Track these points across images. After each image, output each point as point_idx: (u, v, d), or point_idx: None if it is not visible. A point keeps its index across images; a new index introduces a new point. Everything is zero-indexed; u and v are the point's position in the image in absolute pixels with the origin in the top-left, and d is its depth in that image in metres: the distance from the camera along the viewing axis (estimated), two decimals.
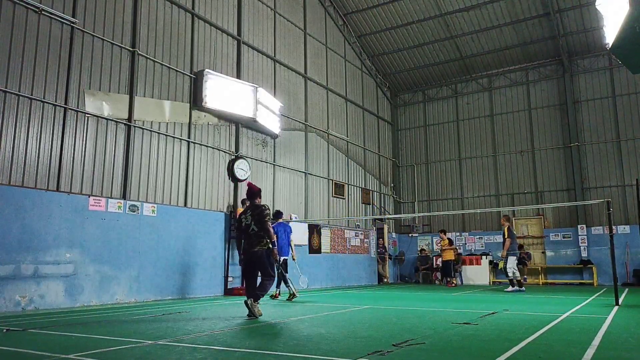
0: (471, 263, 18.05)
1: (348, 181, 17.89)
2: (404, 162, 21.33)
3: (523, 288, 12.80)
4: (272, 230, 6.80)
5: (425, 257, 19.43)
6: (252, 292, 6.80)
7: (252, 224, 6.77)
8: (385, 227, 19.38)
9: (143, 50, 10.81)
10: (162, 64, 11.22)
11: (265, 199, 13.88)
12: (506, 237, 12.66)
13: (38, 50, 8.93)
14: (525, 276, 16.25)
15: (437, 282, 18.70)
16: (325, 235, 15.97)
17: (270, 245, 6.85)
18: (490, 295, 11.58)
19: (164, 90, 11.25)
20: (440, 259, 18.74)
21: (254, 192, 7.09)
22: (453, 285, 16.02)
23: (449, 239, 16.61)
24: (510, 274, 12.59)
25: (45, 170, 8.82)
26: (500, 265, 17.60)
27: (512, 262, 12.57)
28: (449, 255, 16.23)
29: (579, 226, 17.28)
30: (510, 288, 12.68)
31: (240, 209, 12.36)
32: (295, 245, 14.50)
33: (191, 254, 11.19)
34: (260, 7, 14.63)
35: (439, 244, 16.70)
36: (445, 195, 20.15)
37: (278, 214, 11.03)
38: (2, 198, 8.04)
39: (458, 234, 19.57)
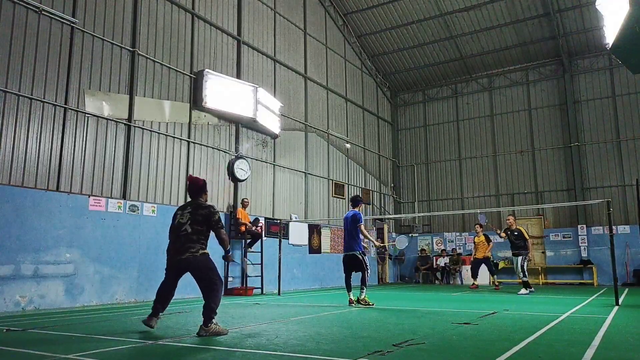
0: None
1: (348, 181, 17.89)
2: (404, 162, 21.33)
3: (532, 288, 12.18)
4: (227, 239, 5.49)
5: (425, 257, 19.43)
6: (163, 307, 5.47)
7: (186, 224, 5.36)
8: (385, 227, 19.38)
9: (143, 50, 10.81)
10: (162, 64, 11.22)
11: (265, 199, 13.87)
12: (527, 237, 12.04)
13: (38, 50, 8.94)
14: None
15: (437, 282, 18.71)
16: (325, 235, 15.97)
17: (208, 252, 5.44)
18: (490, 295, 11.58)
19: (164, 90, 11.25)
20: (441, 259, 18.83)
21: (198, 186, 5.63)
22: (474, 287, 14.32)
23: (485, 235, 14.48)
24: (526, 276, 11.89)
25: (45, 170, 8.82)
26: (502, 265, 17.64)
27: (523, 261, 11.88)
28: (481, 254, 14.17)
29: (579, 226, 17.28)
30: (523, 291, 11.73)
31: (240, 209, 12.34)
32: (295, 245, 14.63)
33: None
34: (260, 7, 14.62)
35: (479, 232, 14.28)
36: (445, 195, 20.14)
37: (357, 200, 9.25)
38: (2, 198, 8.04)
39: (458, 234, 19.59)
